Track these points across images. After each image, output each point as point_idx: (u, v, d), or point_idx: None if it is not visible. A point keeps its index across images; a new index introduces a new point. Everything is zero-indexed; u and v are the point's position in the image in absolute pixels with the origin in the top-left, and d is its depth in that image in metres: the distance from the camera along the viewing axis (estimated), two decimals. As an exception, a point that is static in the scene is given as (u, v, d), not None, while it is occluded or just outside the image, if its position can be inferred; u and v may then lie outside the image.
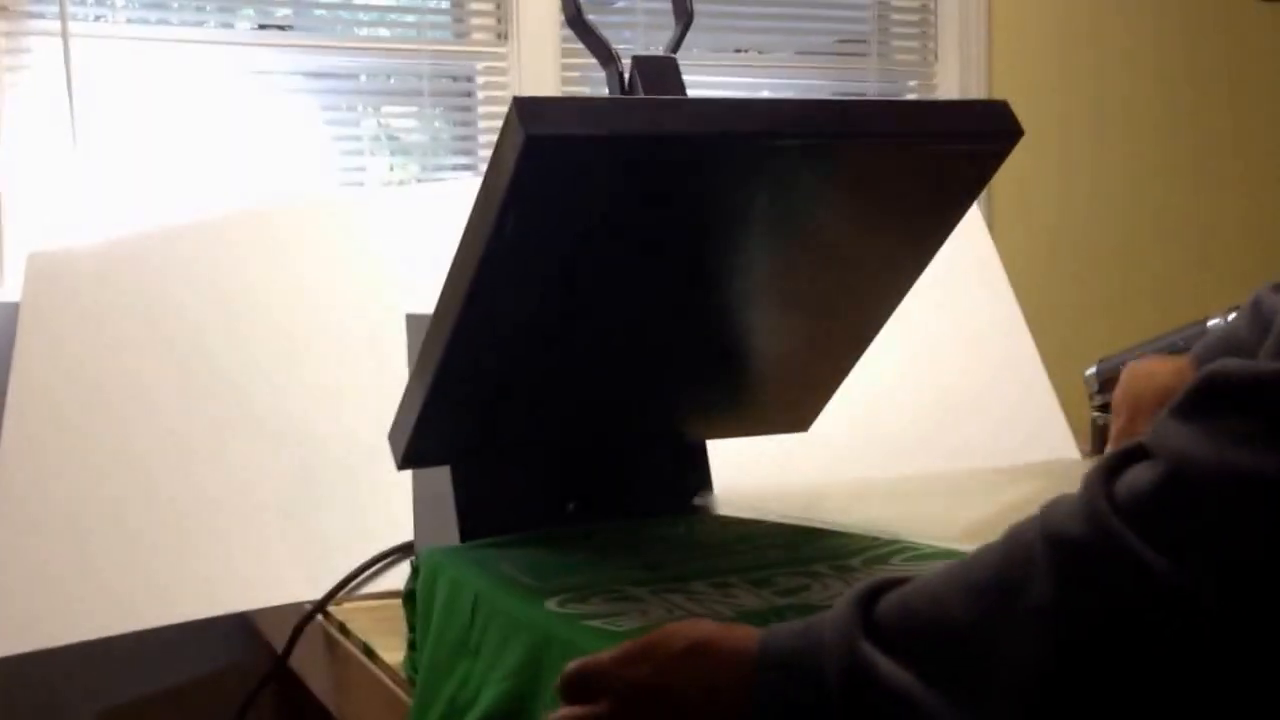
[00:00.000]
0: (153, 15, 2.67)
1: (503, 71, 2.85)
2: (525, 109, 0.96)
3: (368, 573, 1.42)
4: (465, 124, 2.93)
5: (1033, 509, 0.71)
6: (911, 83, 3.26)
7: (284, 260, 1.76)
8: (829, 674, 0.74)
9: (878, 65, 3.20)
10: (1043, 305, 2.18)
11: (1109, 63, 3.30)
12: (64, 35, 2.42)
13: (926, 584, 0.74)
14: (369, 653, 1.28)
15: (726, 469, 1.36)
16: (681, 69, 1.13)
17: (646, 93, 1.11)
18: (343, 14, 2.87)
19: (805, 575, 1.08)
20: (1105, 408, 1.69)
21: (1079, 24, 3.28)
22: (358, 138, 2.88)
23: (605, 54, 1.15)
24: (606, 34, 1.16)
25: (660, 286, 1.15)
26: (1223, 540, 0.64)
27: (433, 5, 2.95)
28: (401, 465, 1.22)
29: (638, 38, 2.92)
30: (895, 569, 1.10)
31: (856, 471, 1.55)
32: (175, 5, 2.71)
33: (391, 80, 2.92)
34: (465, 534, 1.21)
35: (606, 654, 0.84)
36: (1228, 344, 1.35)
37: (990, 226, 2.06)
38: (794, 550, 1.16)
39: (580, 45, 1.18)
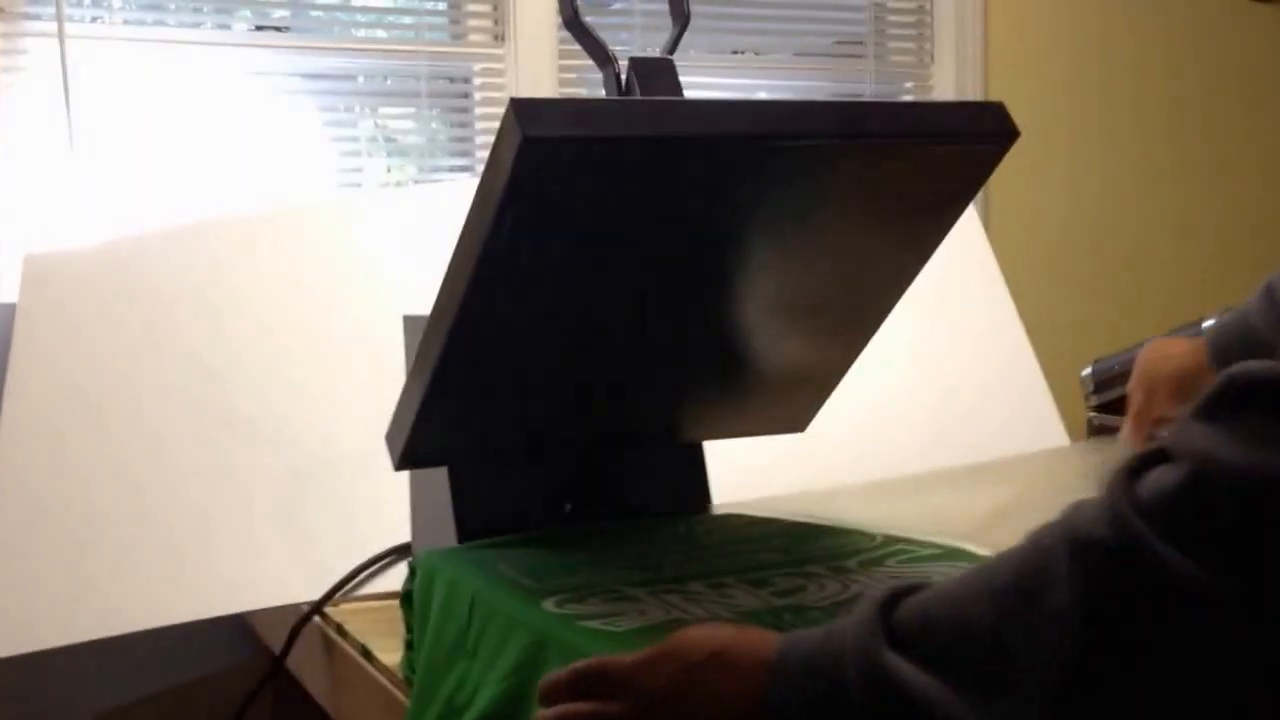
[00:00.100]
0: (149, 16, 2.67)
1: (500, 73, 2.85)
2: (523, 110, 0.96)
3: (365, 574, 1.42)
4: (462, 125, 2.93)
5: (1035, 495, 0.71)
6: (908, 84, 3.26)
7: (280, 262, 1.76)
8: (850, 679, 0.74)
9: (874, 67, 3.20)
10: (1039, 305, 2.19)
11: (1104, 64, 3.30)
12: (60, 36, 2.42)
13: (947, 589, 0.74)
14: (366, 654, 1.28)
15: (725, 470, 1.36)
16: (678, 70, 1.13)
17: (643, 94, 1.11)
18: (340, 15, 2.87)
19: (802, 576, 1.08)
20: (1101, 408, 1.70)
21: (1074, 25, 3.28)
22: (355, 139, 2.87)
23: (602, 55, 1.15)
24: (603, 35, 1.17)
25: (656, 287, 1.15)
26: (1247, 541, 0.64)
27: (430, 7, 2.94)
28: (399, 466, 1.22)
29: (635, 39, 2.92)
30: (892, 570, 1.10)
31: (853, 472, 1.55)
32: (172, 6, 2.71)
33: (389, 81, 2.92)
34: (463, 535, 1.21)
35: (627, 657, 0.84)
36: (1241, 328, 1.35)
37: (986, 227, 2.07)
38: (790, 551, 1.16)
39: (577, 47, 1.18)
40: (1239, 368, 0.67)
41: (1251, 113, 3.42)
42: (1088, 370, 1.73)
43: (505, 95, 2.81)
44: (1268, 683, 0.65)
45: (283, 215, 1.88)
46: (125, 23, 2.63)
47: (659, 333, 1.20)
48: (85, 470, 1.54)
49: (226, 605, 1.45)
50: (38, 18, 2.48)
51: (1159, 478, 0.67)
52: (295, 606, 1.41)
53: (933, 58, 3.23)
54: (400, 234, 1.82)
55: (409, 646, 1.18)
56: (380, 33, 2.92)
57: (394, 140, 2.95)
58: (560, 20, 1.18)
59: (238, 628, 1.62)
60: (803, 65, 3.22)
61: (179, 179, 2.57)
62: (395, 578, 1.36)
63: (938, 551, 1.15)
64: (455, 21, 2.91)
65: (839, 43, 3.25)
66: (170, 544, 1.49)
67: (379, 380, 1.35)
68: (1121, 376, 1.64)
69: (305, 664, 1.43)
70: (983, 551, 1.13)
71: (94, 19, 2.60)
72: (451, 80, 2.91)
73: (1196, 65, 3.38)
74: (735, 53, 3.18)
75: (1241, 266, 3.22)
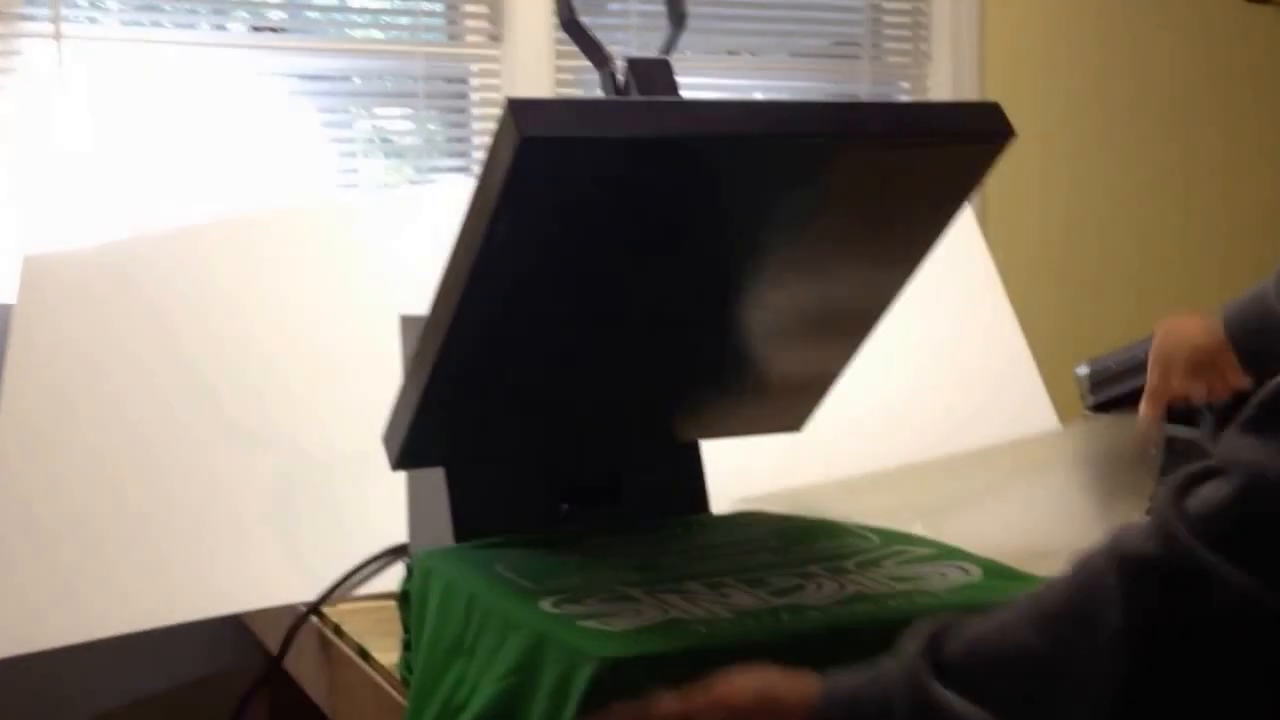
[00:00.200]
0: (146, 17, 2.67)
1: (496, 74, 2.85)
2: (519, 110, 0.96)
3: (362, 574, 1.42)
4: (459, 126, 2.93)
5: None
6: (904, 84, 3.26)
7: (278, 263, 1.76)
8: (897, 711, 0.73)
9: (870, 67, 3.20)
10: (1035, 305, 2.19)
11: (1100, 64, 3.31)
12: (57, 37, 2.42)
13: (994, 619, 0.74)
14: (364, 654, 1.28)
15: (723, 471, 1.36)
16: (675, 71, 1.13)
17: (640, 95, 1.11)
18: (336, 16, 2.87)
19: (799, 576, 1.08)
20: (1098, 407, 1.70)
21: (1070, 26, 3.28)
22: (351, 140, 2.87)
23: (599, 56, 1.15)
24: (600, 36, 1.17)
25: (653, 287, 1.15)
26: None
27: (426, 7, 2.94)
28: (396, 466, 1.22)
29: (631, 40, 2.92)
30: (890, 570, 1.10)
31: (850, 472, 1.55)
32: (168, 7, 2.71)
33: (385, 82, 2.92)
34: (460, 535, 1.21)
35: (672, 699, 0.83)
36: (1257, 307, 1.36)
37: (982, 226, 2.07)
38: (788, 552, 1.16)
39: (574, 47, 1.18)
40: None
41: (1250, 112, 3.43)
42: (1084, 370, 1.72)
43: (502, 96, 2.81)
44: None
45: (279, 216, 1.88)
46: (121, 23, 2.63)
47: (655, 333, 1.20)
48: (82, 471, 1.54)
49: (224, 606, 1.45)
50: (34, 18, 2.48)
51: (1209, 492, 0.66)
52: (292, 607, 1.41)
53: (929, 58, 3.23)
54: (397, 234, 1.82)
55: (406, 646, 1.18)
56: (377, 33, 2.92)
57: (390, 141, 2.95)
58: (557, 21, 1.18)
59: (235, 629, 1.62)
60: (799, 66, 3.22)
61: (175, 180, 2.56)
62: (392, 578, 1.36)
63: (936, 552, 1.15)
64: (452, 22, 2.91)
65: (835, 43, 3.25)
66: (168, 545, 1.49)
67: (376, 381, 1.35)
68: (1118, 375, 1.64)
69: (303, 664, 1.43)
70: (979, 551, 1.13)
71: (90, 20, 2.60)
72: (448, 81, 2.91)
73: (1192, 66, 3.38)
74: (732, 53, 3.18)
75: (1241, 266, 3.21)
